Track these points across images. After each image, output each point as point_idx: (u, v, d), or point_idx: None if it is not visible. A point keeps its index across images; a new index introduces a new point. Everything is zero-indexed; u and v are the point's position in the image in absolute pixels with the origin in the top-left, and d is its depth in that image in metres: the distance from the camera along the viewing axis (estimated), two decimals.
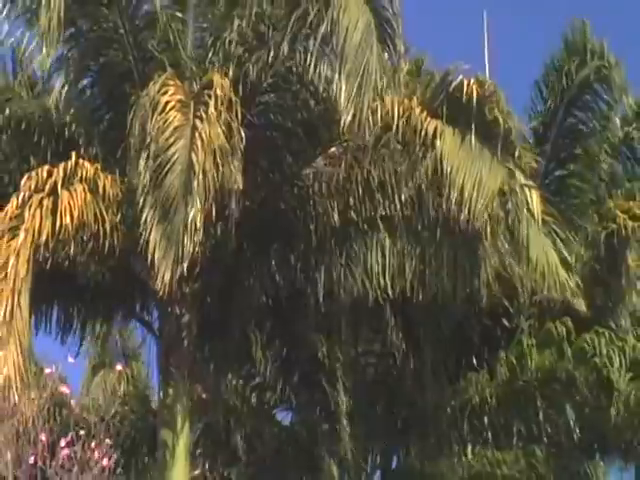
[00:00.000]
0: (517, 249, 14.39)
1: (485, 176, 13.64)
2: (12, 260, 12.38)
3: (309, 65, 13.31)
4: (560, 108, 17.73)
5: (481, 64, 16.90)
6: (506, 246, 14.36)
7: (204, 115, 12.74)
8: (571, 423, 15.90)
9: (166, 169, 12.52)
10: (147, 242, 12.44)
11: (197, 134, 12.59)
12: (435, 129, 13.82)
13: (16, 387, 12.03)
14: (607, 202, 17.19)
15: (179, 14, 14.51)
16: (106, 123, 14.78)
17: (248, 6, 13.72)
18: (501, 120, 13.84)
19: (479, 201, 13.52)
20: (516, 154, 14.07)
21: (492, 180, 13.69)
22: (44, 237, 12.67)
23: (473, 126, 13.75)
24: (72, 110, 14.89)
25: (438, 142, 13.79)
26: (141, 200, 12.64)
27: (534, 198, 14.21)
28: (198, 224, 12.28)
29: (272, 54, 13.50)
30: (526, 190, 14.13)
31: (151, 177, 12.62)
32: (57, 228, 12.77)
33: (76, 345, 15.77)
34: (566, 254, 15.47)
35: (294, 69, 13.82)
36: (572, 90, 17.66)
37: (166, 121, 12.81)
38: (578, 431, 15.89)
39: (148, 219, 12.51)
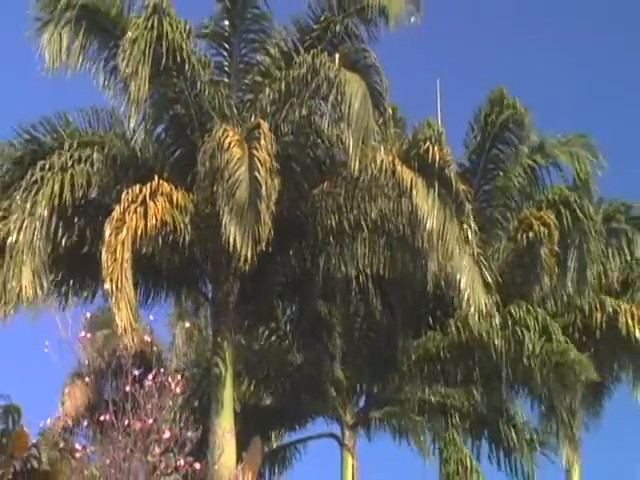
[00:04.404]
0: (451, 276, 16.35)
1: (446, 226, 15.95)
2: (119, 247, 14.84)
3: (321, 119, 16.11)
4: (487, 142, 20.89)
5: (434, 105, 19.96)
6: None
7: (259, 146, 15.13)
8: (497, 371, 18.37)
9: (235, 186, 14.99)
10: (226, 235, 14.72)
11: (256, 159, 15.02)
12: (411, 179, 16.15)
13: (128, 331, 14.53)
14: (524, 211, 19.86)
15: (225, 80, 17.57)
16: (175, 157, 17.34)
17: (277, 80, 16.51)
18: (454, 183, 16.23)
19: (442, 246, 15.86)
20: (465, 211, 16.38)
21: (450, 232, 15.90)
22: (140, 232, 15.14)
23: (436, 184, 16.04)
24: (150, 148, 17.52)
25: (414, 191, 16.04)
26: (222, 208, 14.97)
27: (471, 237, 16.32)
28: (267, 218, 14.74)
29: (294, 112, 16.24)
30: (466, 228, 16.29)
31: (226, 192, 15.06)
32: (148, 227, 15.39)
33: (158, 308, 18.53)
34: (488, 278, 16.97)
35: (308, 121, 16.57)
36: (494, 129, 20.70)
37: (231, 154, 15.26)
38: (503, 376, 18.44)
39: (228, 219, 14.82)
